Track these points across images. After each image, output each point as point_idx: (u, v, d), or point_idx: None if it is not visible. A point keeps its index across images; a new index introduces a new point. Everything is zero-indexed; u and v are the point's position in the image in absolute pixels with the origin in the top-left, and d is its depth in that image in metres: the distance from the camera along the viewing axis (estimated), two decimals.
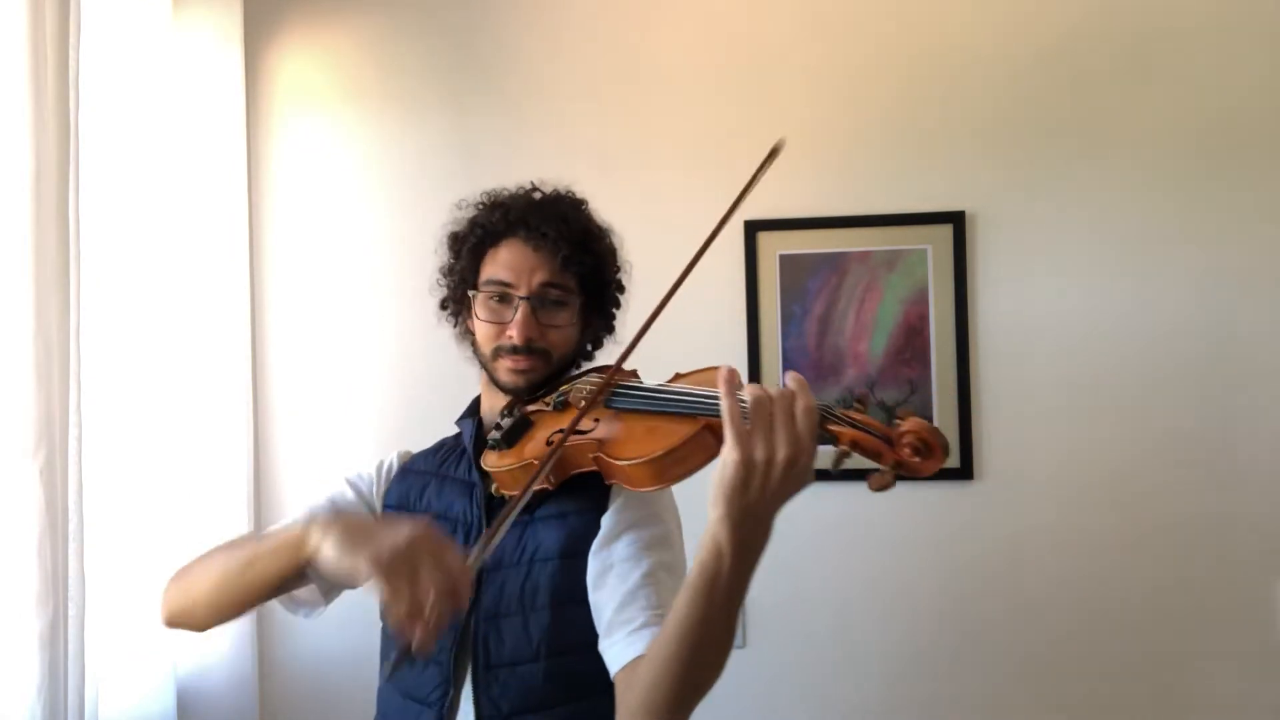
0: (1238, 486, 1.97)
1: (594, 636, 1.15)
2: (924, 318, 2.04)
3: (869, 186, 2.07)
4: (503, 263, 1.29)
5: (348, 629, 2.18)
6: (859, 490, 2.11)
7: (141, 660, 1.86)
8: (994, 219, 2.04)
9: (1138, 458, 1.99)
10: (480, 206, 1.36)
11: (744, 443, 0.87)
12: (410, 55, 2.20)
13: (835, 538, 2.04)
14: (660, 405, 1.10)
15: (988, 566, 2.01)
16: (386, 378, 2.19)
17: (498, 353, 1.28)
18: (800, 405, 0.88)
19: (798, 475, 0.88)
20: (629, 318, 1.38)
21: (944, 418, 2.01)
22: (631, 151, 2.13)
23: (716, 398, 0.96)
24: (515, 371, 1.27)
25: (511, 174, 2.11)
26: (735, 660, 2.18)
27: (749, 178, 1.14)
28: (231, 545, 1.21)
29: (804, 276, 2.07)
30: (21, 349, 1.47)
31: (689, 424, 1.03)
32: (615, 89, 2.14)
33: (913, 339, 2.04)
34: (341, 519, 1.05)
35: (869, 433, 0.93)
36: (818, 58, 2.10)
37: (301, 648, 2.19)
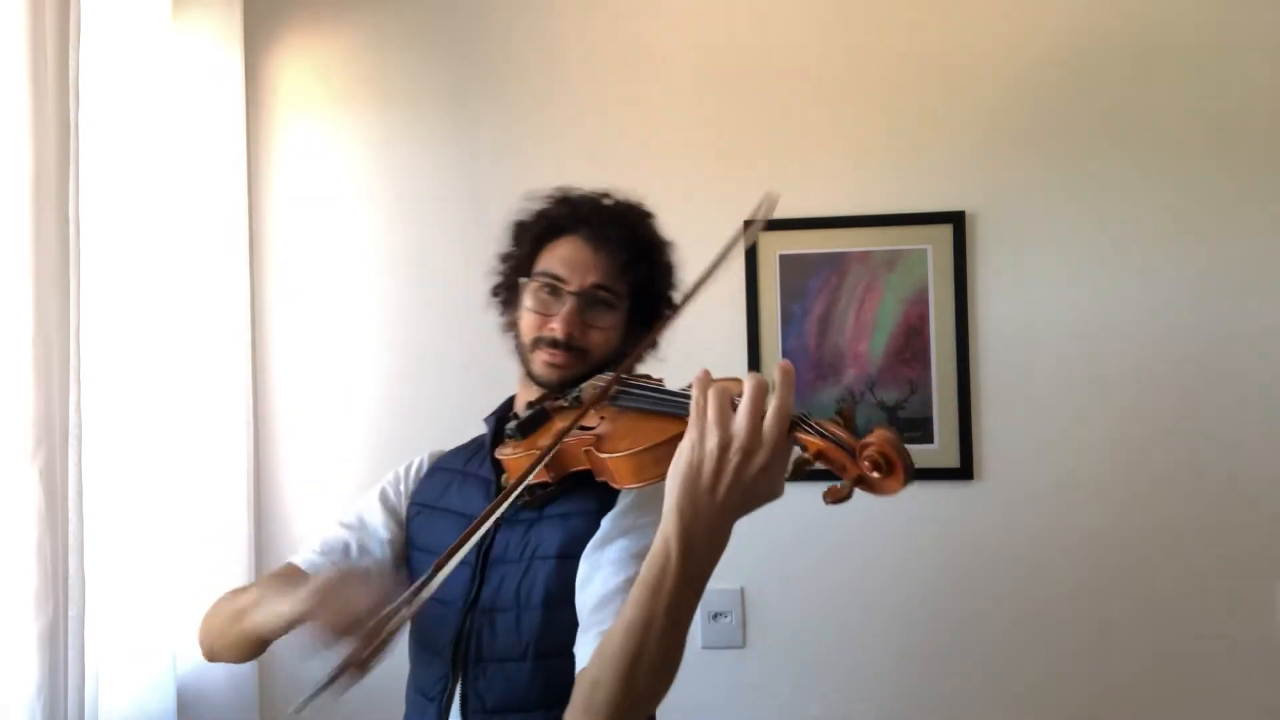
0: (1238, 486, 1.97)
1: None
2: (924, 318, 2.04)
3: (869, 186, 2.07)
4: (560, 257, 1.30)
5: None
6: (859, 490, 2.11)
7: (141, 660, 1.86)
8: (994, 219, 2.04)
9: (1138, 457, 1.99)
10: (549, 199, 1.37)
11: (698, 424, 0.86)
12: (410, 57, 2.21)
13: (835, 538, 2.04)
14: (658, 404, 1.09)
15: (987, 566, 2.01)
16: (386, 378, 2.19)
17: (537, 343, 1.29)
18: (773, 403, 0.86)
19: (754, 475, 0.86)
20: None
21: (944, 418, 2.02)
22: (631, 152, 2.13)
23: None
24: (550, 365, 1.28)
25: (511, 175, 2.14)
26: (735, 660, 2.19)
27: (729, 245, 1.19)
28: (225, 600, 1.29)
29: (804, 276, 2.07)
30: (21, 349, 1.47)
31: (676, 423, 1.02)
32: (615, 90, 2.14)
33: (913, 339, 2.04)
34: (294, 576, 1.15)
35: (835, 443, 0.88)
36: (818, 58, 2.10)
37: (301, 648, 2.19)
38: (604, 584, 1.12)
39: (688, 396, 1.02)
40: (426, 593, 0.97)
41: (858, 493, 0.87)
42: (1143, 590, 1.98)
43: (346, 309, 2.21)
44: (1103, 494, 2.00)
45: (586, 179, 1.43)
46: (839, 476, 0.88)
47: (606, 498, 1.21)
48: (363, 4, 2.22)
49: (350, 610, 0.96)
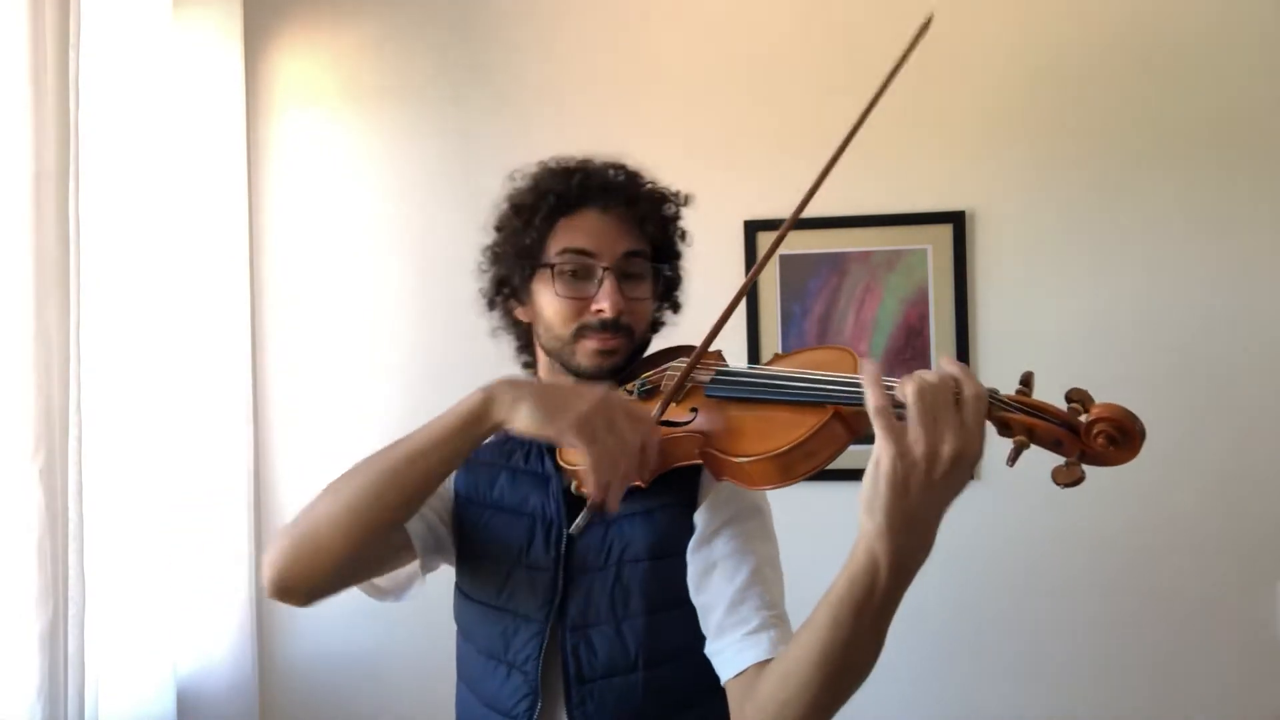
0: (1238, 487, 1.97)
1: (695, 642, 1.06)
2: (924, 318, 2.04)
3: (869, 186, 2.07)
4: (581, 230, 1.17)
5: (347, 629, 2.18)
6: (859, 490, 2.11)
7: (141, 660, 1.86)
8: (994, 219, 2.04)
9: (1138, 457, 1.99)
10: (545, 174, 1.25)
11: (899, 437, 0.78)
12: (409, 54, 2.20)
13: (835, 538, 2.03)
14: (772, 393, 0.98)
15: (988, 567, 2.01)
16: (387, 376, 2.19)
17: (581, 332, 1.14)
18: (968, 391, 0.80)
19: (963, 472, 0.80)
20: None
21: None
22: (631, 150, 2.11)
23: (843, 383, 0.89)
24: (602, 352, 1.13)
25: (512, 169, 2.13)
26: None
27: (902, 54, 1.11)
28: (356, 469, 1.10)
29: (804, 276, 2.07)
30: (21, 349, 1.47)
31: (814, 413, 0.91)
32: (615, 87, 2.14)
33: (913, 339, 2.04)
34: (527, 385, 1.00)
35: (1047, 420, 0.84)
36: (817, 57, 2.10)
37: (301, 648, 2.19)
38: (728, 581, 1.04)
39: (816, 381, 0.95)
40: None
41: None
42: (1143, 590, 1.98)
43: (347, 306, 2.21)
44: (1103, 494, 1.99)
45: None
46: (1053, 455, 0.84)
47: (688, 488, 1.11)
48: (362, 2, 2.22)
49: (622, 446, 0.93)
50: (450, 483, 1.24)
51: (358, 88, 2.22)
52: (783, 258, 2.07)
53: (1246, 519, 1.96)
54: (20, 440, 1.47)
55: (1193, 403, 1.98)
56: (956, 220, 2.03)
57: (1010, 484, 2.01)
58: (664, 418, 1.03)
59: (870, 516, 0.80)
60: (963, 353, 2.01)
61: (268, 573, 1.06)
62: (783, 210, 2.05)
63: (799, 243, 2.07)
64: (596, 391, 0.96)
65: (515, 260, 1.21)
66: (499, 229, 1.27)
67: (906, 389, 0.79)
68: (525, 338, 1.27)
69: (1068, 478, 0.81)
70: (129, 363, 1.84)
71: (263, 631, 2.14)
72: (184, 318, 2.01)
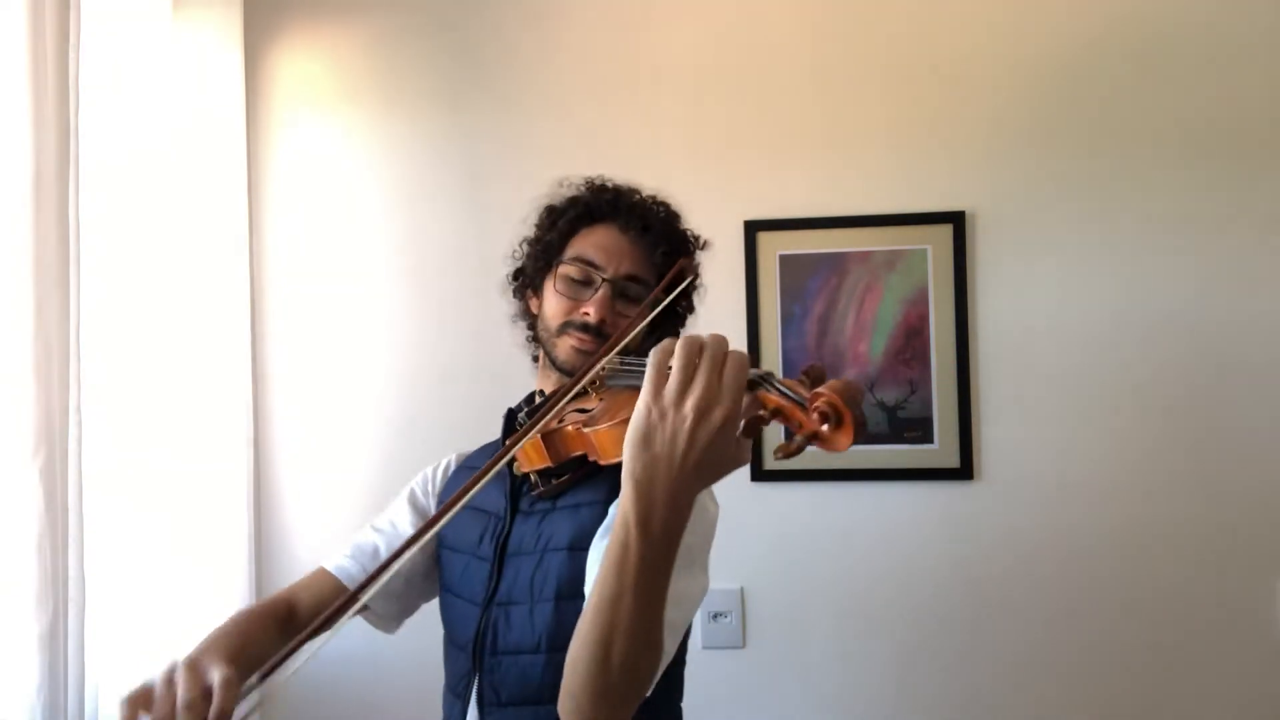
0: (1237, 486, 1.97)
1: None
2: (924, 318, 2.04)
3: (869, 186, 2.07)
4: (595, 243, 1.29)
5: (347, 628, 2.18)
6: (859, 490, 2.11)
7: (141, 660, 1.86)
8: (994, 219, 2.04)
9: (1138, 458, 2.00)
10: (585, 186, 1.37)
11: (656, 386, 0.81)
12: (410, 55, 2.20)
13: (835, 538, 2.04)
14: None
15: (987, 566, 2.01)
16: (386, 378, 2.19)
17: (565, 328, 1.27)
18: (732, 358, 0.82)
19: (712, 435, 0.80)
20: None
21: (944, 418, 2.01)
22: (631, 151, 2.13)
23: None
24: (578, 350, 1.25)
25: (512, 175, 2.14)
26: (735, 660, 2.19)
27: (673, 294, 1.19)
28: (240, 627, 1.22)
29: (804, 276, 2.07)
30: (21, 349, 1.47)
31: None
32: (615, 88, 2.14)
33: (913, 339, 2.04)
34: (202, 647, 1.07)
35: (789, 398, 0.84)
36: (818, 58, 2.10)
37: None
38: (601, 562, 1.10)
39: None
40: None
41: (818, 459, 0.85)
42: (1143, 590, 1.98)
43: (347, 309, 2.21)
44: (1103, 494, 2.00)
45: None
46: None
47: (616, 487, 1.18)
48: (363, 2, 2.22)
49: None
50: (434, 501, 1.41)
51: (359, 87, 2.22)
52: (783, 258, 2.07)
53: (1246, 518, 1.96)
54: (20, 440, 1.47)
55: (1193, 402, 1.98)
56: (956, 220, 2.03)
57: (1008, 484, 2.02)
58: (577, 406, 1.10)
59: (624, 467, 0.83)
60: (963, 353, 2.01)
61: None
62: (783, 210, 2.07)
63: (799, 243, 2.07)
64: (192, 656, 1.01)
65: (535, 255, 1.35)
66: (535, 226, 1.39)
67: (679, 345, 0.82)
68: (534, 327, 1.38)
69: (785, 450, 0.81)
70: (129, 363, 1.84)
71: None
72: (184, 318, 2.00)
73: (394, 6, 2.21)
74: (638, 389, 0.99)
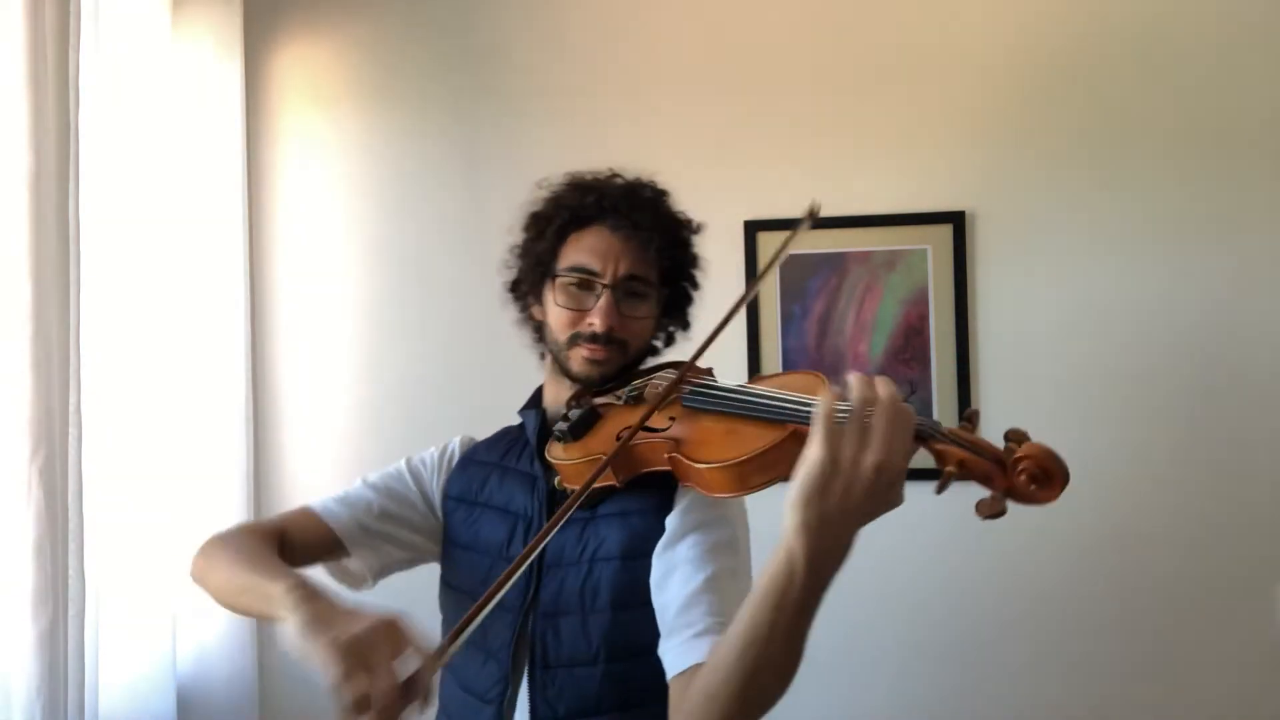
0: (1238, 487, 1.96)
1: (655, 640, 1.10)
2: (924, 318, 2.04)
3: (869, 186, 2.07)
4: (588, 249, 1.25)
5: None
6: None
7: (141, 660, 1.86)
8: (994, 219, 2.04)
9: (1139, 457, 1.99)
10: (566, 188, 1.32)
11: (832, 440, 0.82)
12: (409, 59, 2.20)
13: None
14: (742, 408, 1.04)
15: (987, 566, 2.01)
16: (385, 379, 2.19)
17: (574, 340, 1.24)
18: (903, 413, 0.84)
19: (884, 488, 0.83)
20: None
21: (944, 418, 2.01)
22: (632, 151, 2.10)
23: (806, 404, 0.92)
24: (591, 361, 1.23)
25: (512, 176, 2.13)
26: None
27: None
28: (243, 552, 1.14)
29: (804, 276, 2.07)
30: (21, 349, 1.47)
31: (775, 430, 0.97)
32: (616, 87, 2.14)
33: (913, 339, 2.04)
34: (315, 602, 0.94)
35: (977, 454, 0.87)
36: (817, 58, 2.10)
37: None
38: (685, 584, 1.08)
39: (781, 401, 0.99)
40: (465, 636, 0.91)
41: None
42: (1142, 590, 1.98)
43: (345, 308, 2.21)
44: (1103, 494, 1.99)
45: None
46: (983, 488, 0.88)
47: (665, 494, 1.16)
48: (362, 6, 2.22)
49: (381, 684, 0.83)
50: (439, 491, 1.35)
51: (357, 90, 2.22)
52: None
53: (1247, 518, 1.96)
54: (20, 440, 1.47)
55: (1193, 401, 1.98)
56: (956, 220, 2.03)
57: None
58: (645, 424, 1.09)
59: (793, 514, 0.83)
60: (963, 353, 2.01)
61: (191, 572, 1.20)
62: (783, 210, 2.07)
63: (799, 243, 2.06)
64: (370, 622, 0.88)
65: (529, 267, 1.31)
66: (523, 231, 1.35)
67: (852, 395, 0.83)
68: (540, 332, 1.34)
69: (989, 510, 0.86)
70: (129, 363, 1.85)
71: (262, 631, 2.14)
72: (183, 318, 2.01)
73: (393, 10, 2.21)
74: (726, 416, 1.05)
